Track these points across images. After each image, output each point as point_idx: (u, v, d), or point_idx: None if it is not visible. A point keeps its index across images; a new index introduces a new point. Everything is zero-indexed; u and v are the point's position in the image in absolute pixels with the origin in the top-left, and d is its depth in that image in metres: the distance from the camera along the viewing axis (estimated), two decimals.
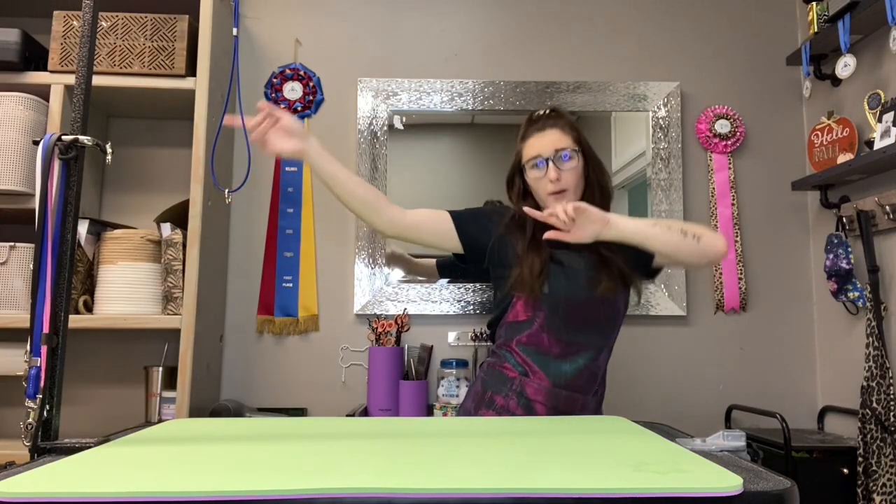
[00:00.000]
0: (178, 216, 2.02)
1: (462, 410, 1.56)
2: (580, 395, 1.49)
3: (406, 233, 1.51)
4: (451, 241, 1.54)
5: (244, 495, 0.72)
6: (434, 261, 2.28)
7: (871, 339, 1.92)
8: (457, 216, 1.55)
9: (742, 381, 2.31)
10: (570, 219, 1.32)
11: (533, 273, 1.45)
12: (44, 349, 1.05)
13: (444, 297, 2.28)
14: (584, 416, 1.49)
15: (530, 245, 1.49)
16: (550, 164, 1.47)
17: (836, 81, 2.22)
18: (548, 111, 1.57)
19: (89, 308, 1.98)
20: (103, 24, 2.01)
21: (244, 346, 2.28)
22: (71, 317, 1.83)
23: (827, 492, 1.92)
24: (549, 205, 1.48)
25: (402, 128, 2.37)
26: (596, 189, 1.54)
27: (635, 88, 2.39)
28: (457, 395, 2.07)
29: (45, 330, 1.06)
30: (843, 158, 2.08)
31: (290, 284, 2.29)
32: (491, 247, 1.54)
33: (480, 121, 2.41)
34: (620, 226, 1.37)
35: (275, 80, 2.38)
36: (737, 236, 2.34)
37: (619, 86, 2.39)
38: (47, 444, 1.02)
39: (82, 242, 1.98)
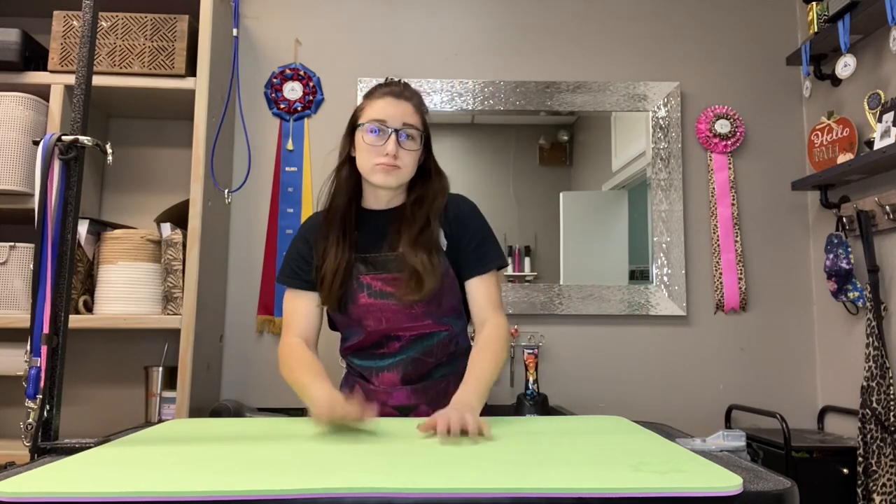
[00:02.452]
0: (178, 216, 2.02)
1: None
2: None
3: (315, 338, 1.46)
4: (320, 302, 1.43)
5: (244, 495, 0.72)
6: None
7: (871, 339, 1.92)
8: (292, 282, 1.43)
9: (742, 381, 2.31)
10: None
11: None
12: (44, 349, 1.05)
13: None
14: (583, 416, 1.49)
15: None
16: (393, 135, 1.33)
17: (836, 81, 2.22)
18: (404, 80, 1.44)
19: (89, 308, 1.98)
20: (103, 24, 2.01)
21: (244, 346, 2.28)
22: (71, 317, 1.82)
23: (827, 492, 1.92)
24: (373, 177, 1.36)
25: None
26: (435, 182, 1.42)
27: (635, 88, 2.39)
28: None
29: (46, 330, 1.06)
30: (843, 158, 2.08)
31: None
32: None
33: (480, 121, 2.41)
34: (480, 399, 1.21)
35: (275, 80, 2.38)
36: (737, 236, 2.34)
37: (619, 86, 2.39)
38: (47, 444, 1.02)
39: (82, 242, 1.98)
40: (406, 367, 1.40)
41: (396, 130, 1.33)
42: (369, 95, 1.41)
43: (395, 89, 1.39)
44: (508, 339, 1.38)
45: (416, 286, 1.32)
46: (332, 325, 1.51)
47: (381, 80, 1.47)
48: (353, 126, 1.41)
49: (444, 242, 1.40)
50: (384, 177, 1.35)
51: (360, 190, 1.45)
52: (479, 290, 1.39)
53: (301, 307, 1.42)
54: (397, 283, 1.34)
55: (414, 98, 1.40)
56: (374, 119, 1.34)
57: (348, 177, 1.43)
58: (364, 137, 1.35)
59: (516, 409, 2.10)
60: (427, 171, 1.44)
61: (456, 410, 1.08)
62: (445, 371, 1.44)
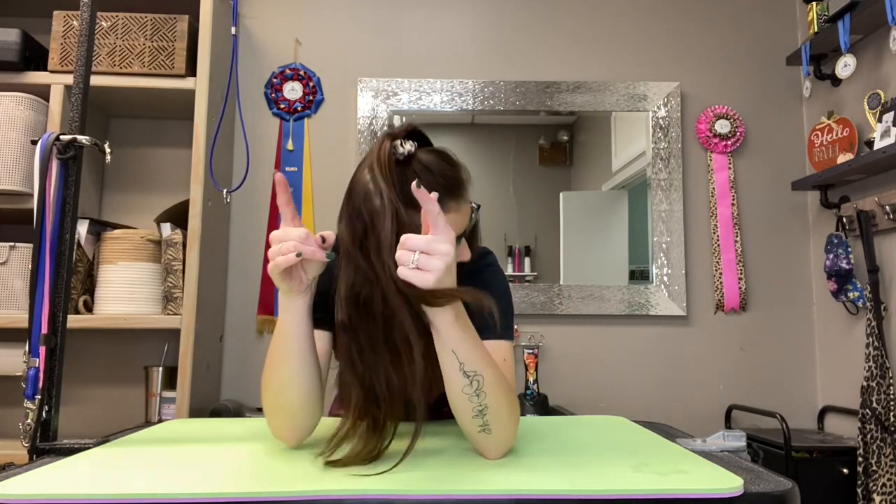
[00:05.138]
0: (178, 216, 2.02)
1: None
2: None
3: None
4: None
5: (244, 496, 0.71)
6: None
7: (871, 339, 1.92)
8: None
9: (742, 381, 2.31)
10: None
11: None
12: (42, 350, 1.05)
13: None
14: (583, 416, 1.49)
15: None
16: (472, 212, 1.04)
17: (836, 81, 2.22)
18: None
19: (89, 308, 1.98)
20: (103, 23, 2.01)
21: (244, 346, 2.28)
22: (71, 317, 1.83)
23: (827, 492, 1.92)
24: None
25: None
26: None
27: (635, 88, 2.39)
28: None
29: (44, 330, 1.05)
30: (843, 158, 2.08)
31: None
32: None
33: (480, 121, 2.41)
34: (455, 308, 0.86)
35: (275, 80, 2.37)
36: (737, 236, 2.34)
37: (619, 86, 2.39)
38: (46, 444, 1.02)
39: (82, 242, 1.98)
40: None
41: (474, 209, 1.06)
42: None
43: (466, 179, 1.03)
44: (517, 406, 0.95)
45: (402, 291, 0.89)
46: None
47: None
48: None
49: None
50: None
51: None
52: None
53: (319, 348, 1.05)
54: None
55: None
56: None
57: None
58: None
59: None
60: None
61: (440, 245, 0.80)
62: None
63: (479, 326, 0.93)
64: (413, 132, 0.99)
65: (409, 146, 0.94)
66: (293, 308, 0.91)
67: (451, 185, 0.97)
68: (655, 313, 2.30)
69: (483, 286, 0.91)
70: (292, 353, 0.93)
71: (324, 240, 0.91)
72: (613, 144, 2.40)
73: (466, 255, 1.04)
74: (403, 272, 0.80)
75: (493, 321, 0.97)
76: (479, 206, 1.04)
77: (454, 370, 0.87)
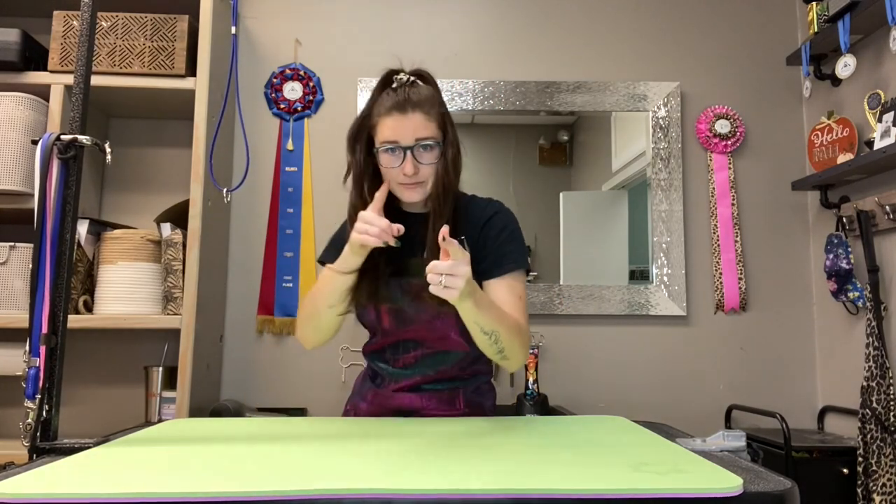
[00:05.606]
0: (178, 216, 2.02)
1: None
2: None
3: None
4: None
5: (244, 496, 0.72)
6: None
7: (871, 339, 1.92)
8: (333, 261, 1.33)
9: (742, 381, 2.31)
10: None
11: None
12: (42, 349, 1.05)
13: None
14: (583, 416, 1.49)
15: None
16: (408, 154, 1.27)
17: (836, 81, 2.22)
18: (410, 78, 1.37)
19: (89, 308, 1.98)
20: (103, 24, 2.01)
21: (244, 346, 2.28)
22: (71, 317, 1.82)
23: (827, 492, 1.92)
24: (400, 195, 1.33)
25: None
26: (452, 182, 1.34)
27: (635, 88, 2.39)
28: None
29: (44, 330, 1.05)
30: (843, 158, 2.08)
31: (290, 284, 2.29)
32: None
33: (480, 121, 2.41)
34: (474, 301, 1.15)
35: (275, 80, 2.37)
36: (737, 236, 2.34)
37: (619, 86, 2.39)
38: (46, 444, 1.02)
39: (82, 242, 1.98)
40: (418, 380, 1.37)
41: (410, 148, 1.27)
42: (378, 107, 1.33)
43: (401, 100, 1.30)
44: (527, 336, 1.30)
45: (433, 297, 1.14)
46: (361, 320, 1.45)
47: (384, 75, 1.41)
48: (370, 144, 1.34)
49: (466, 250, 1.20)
50: (410, 194, 1.32)
51: None
52: (496, 293, 1.30)
53: None
54: (420, 291, 1.23)
55: (423, 104, 1.31)
56: (386, 140, 1.28)
57: (372, 186, 1.34)
58: (381, 160, 1.30)
59: (516, 409, 2.09)
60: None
61: (460, 267, 1.07)
62: (458, 384, 1.40)
63: (493, 263, 1.32)
64: (416, 72, 1.43)
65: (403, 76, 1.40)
66: (353, 264, 1.27)
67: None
68: (655, 313, 2.30)
69: (493, 232, 1.36)
70: (338, 290, 1.30)
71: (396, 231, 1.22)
72: (613, 144, 2.40)
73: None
74: (434, 290, 1.08)
75: (505, 258, 1.33)
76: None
77: (477, 331, 1.20)
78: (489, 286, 1.32)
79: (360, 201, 1.33)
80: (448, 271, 1.06)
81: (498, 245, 1.34)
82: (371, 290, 1.32)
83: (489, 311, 1.19)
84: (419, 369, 1.37)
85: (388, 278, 1.33)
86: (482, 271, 1.31)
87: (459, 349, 1.36)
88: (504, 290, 1.31)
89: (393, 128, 1.28)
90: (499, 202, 1.45)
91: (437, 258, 1.12)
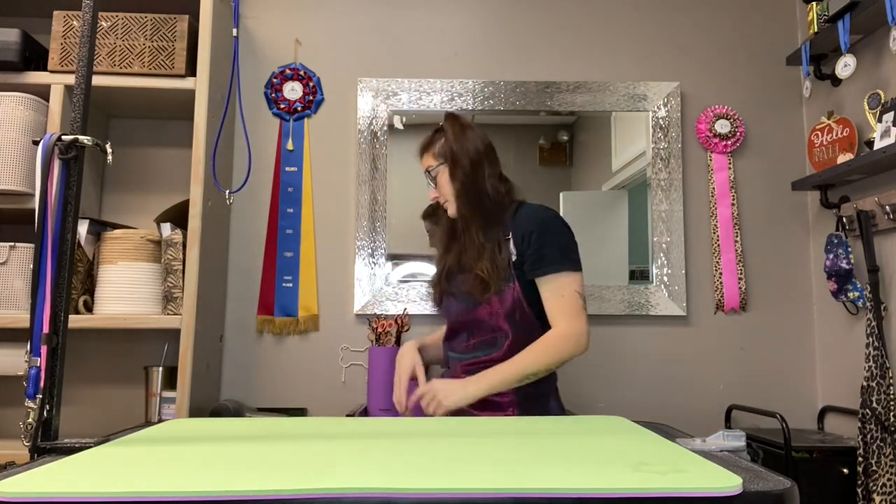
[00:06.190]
0: (178, 216, 2.02)
1: None
2: None
3: None
4: None
5: (244, 495, 0.72)
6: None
7: (871, 339, 1.92)
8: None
9: (742, 381, 2.31)
10: (410, 409, 1.58)
11: None
12: (44, 349, 1.05)
13: None
14: (583, 416, 1.49)
15: None
16: (431, 182, 1.69)
17: (836, 81, 2.22)
18: (435, 131, 1.71)
19: (89, 308, 1.98)
20: (103, 24, 2.01)
21: (244, 346, 2.28)
22: (71, 317, 1.83)
23: (827, 492, 1.92)
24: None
25: (402, 128, 2.37)
26: (470, 192, 1.62)
27: (635, 88, 2.39)
28: None
29: (45, 330, 1.06)
30: (843, 158, 2.08)
31: (290, 284, 2.30)
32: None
33: (480, 121, 2.41)
34: (483, 386, 1.50)
35: (275, 80, 2.38)
36: (737, 236, 2.34)
37: (619, 86, 2.39)
38: (47, 444, 1.02)
39: (82, 242, 1.98)
40: (475, 363, 1.61)
41: (427, 173, 1.69)
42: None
43: (422, 146, 1.71)
44: (563, 344, 1.52)
45: (473, 289, 1.57)
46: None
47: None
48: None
49: (513, 252, 1.59)
50: (448, 211, 1.68)
51: None
52: (542, 292, 1.56)
53: None
54: (467, 283, 1.59)
55: (433, 142, 1.68)
56: (424, 172, 1.71)
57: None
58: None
59: None
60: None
61: (440, 391, 1.51)
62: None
63: (533, 265, 1.55)
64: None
65: None
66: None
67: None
68: (655, 313, 2.30)
69: (533, 236, 1.56)
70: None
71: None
72: (613, 144, 2.40)
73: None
74: (427, 411, 1.50)
75: (542, 260, 1.54)
76: None
77: (514, 385, 1.52)
78: (538, 284, 1.57)
79: None
80: (420, 399, 1.53)
81: (537, 248, 1.56)
82: (436, 285, 1.73)
83: (508, 373, 1.50)
84: (474, 353, 1.62)
85: (446, 275, 1.67)
86: (526, 270, 1.57)
87: (500, 337, 1.59)
88: (547, 290, 1.56)
89: (422, 164, 1.73)
90: (545, 208, 1.65)
91: (471, 256, 1.60)
